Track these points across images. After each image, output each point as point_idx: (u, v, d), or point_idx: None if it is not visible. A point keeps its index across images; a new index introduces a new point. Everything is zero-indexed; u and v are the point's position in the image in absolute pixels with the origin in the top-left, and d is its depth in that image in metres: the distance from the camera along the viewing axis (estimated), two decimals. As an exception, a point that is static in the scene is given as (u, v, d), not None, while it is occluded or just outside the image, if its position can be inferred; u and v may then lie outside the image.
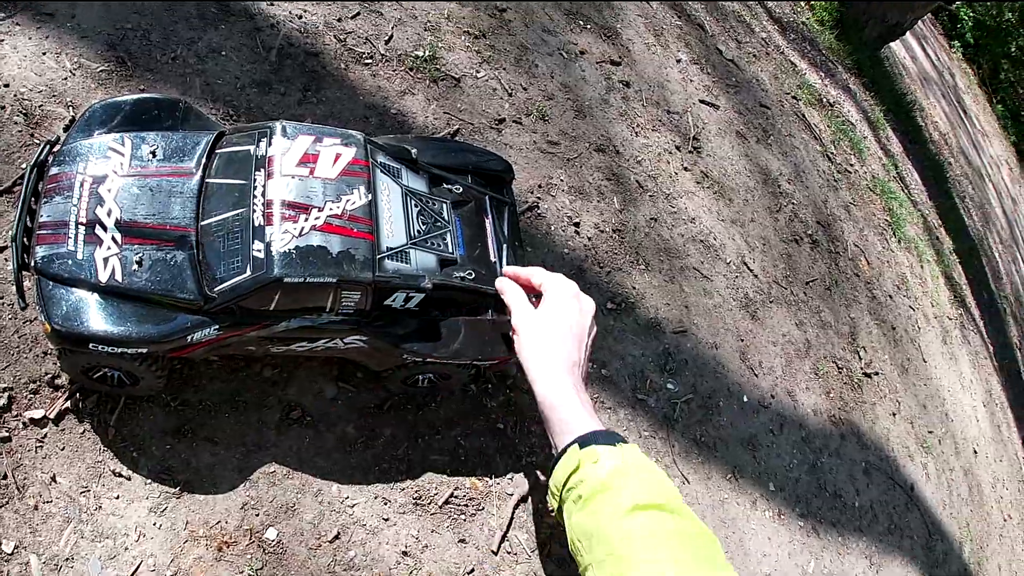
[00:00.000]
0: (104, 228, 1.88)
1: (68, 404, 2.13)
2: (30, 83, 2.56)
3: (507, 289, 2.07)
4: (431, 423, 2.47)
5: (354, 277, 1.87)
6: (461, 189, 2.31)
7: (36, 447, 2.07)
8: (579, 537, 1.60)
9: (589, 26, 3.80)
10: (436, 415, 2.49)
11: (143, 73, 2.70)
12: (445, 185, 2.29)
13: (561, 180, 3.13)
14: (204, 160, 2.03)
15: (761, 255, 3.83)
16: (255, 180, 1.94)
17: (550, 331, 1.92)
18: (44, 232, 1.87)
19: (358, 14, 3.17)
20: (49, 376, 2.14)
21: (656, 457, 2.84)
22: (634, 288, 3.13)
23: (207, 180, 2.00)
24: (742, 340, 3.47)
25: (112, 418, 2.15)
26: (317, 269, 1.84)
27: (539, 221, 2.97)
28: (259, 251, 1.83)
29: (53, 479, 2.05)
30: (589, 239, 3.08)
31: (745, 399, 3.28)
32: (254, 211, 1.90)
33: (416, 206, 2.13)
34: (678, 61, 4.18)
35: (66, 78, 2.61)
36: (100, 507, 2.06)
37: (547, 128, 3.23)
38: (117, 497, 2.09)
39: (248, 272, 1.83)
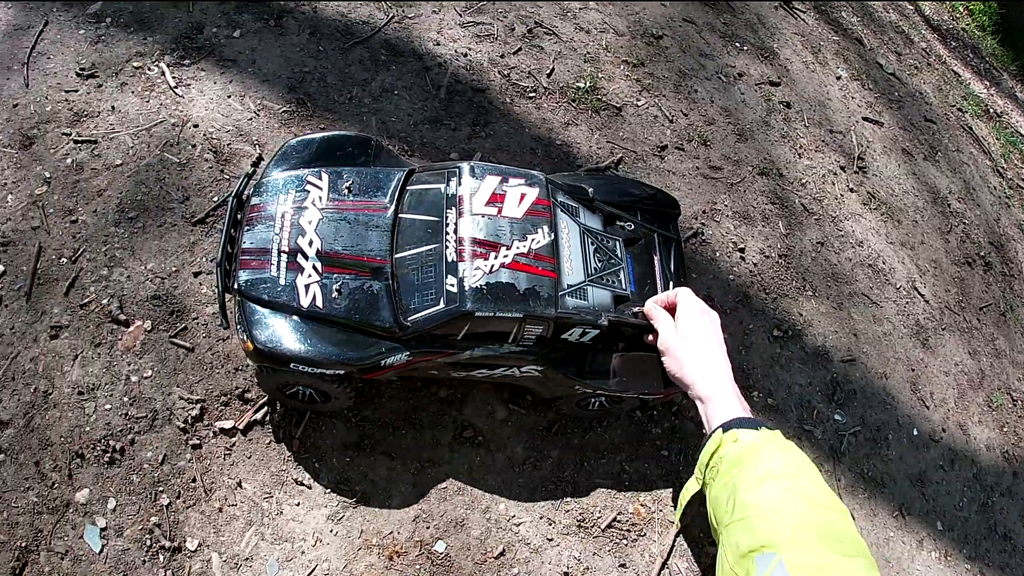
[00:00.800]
0: (305, 257, 2.03)
1: (257, 416, 2.32)
2: (217, 123, 2.81)
3: (655, 313, 2.15)
4: (597, 447, 2.50)
5: (539, 313, 1.95)
6: (633, 227, 2.34)
7: (224, 454, 2.27)
8: (714, 507, 1.67)
9: (746, 47, 3.75)
10: (602, 439, 2.52)
11: (322, 113, 2.89)
12: (618, 223, 2.33)
13: (725, 205, 3.10)
14: (397, 196, 2.15)
15: (932, 279, 3.63)
16: (447, 217, 2.05)
17: (701, 338, 2.02)
18: (247, 258, 2.03)
19: (520, 50, 3.26)
20: (240, 390, 2.34)
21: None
22: (801, 315, 3.05)
23: (400, 215, 2.12)
24: (913, 370, 3.30)
25: (298, 431, 2.32)
26: (506, 305, 1.93)
27: (704, 248, 2.95)
28: (452, 285, 1.94)
29: (239, 484, 2.23)
30: (755, 265, 3.02)
31: (915, 432, 3.12)
32: (447, 247, 2.01)
33: (592, 244, 2.19)
34: (838, 78, 4.05)
35: (251, 118, 2.84)
36: (281, 512, 2.22)
37: (709, 153, 3.21)
38: (298, 504, 2.24)
39: (442, 304, 1.94)
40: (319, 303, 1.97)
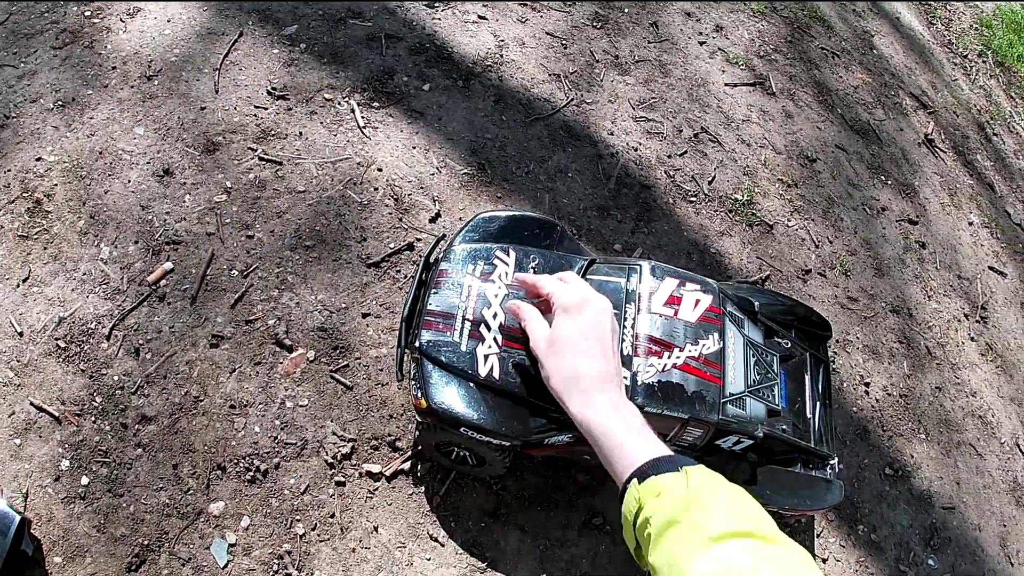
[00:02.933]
0: (488, 328, 2.14)
1: (404, 466, 2.42)
2: (401, 172, 2.94)
3: (523, 311, 1.87)
4: (715, 554, 2.59)
5: (703, 417, 2.03)
6: (790, 344, 2.42)
7: (366, 497, 2.36)
8: None
9: (889, 182, 3.86)
10: None
11: (500, 182, 3.03)
12: (776, 338, 2.41)
13: (857, 337, 3.20)
14: None
15: (1035, 438, 3.69)
16: (626, 312, 2.14)
17: (570, 346, 1.69)
18: (431, 319, 2.15)
19: (685, 152, 3.41)
20: (391, 438, 2.44)
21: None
22: (912, 456, 3.13)
23: None
24: (1004, 526, 3.35)
25: (441, 488, 2.40)
26: (673, 405, 2.01)
27: (832, 376, 3.05)
28: (625, 378, 2.01)
29: (375, 529, 2.31)
30: (877, 401, 3.12)
31: (998, 588, 3.17)
32: (623, 340, 2.09)
33: (753, 356, 2.26)
34: (970, 223, 4.14)
35: (432, 173, 2.98)
36: (411, 564, 2.30)
37: (848, 283, 3.32)
38: (429, 559, 2.32)
39: None
40: (496, 374, 2.07)
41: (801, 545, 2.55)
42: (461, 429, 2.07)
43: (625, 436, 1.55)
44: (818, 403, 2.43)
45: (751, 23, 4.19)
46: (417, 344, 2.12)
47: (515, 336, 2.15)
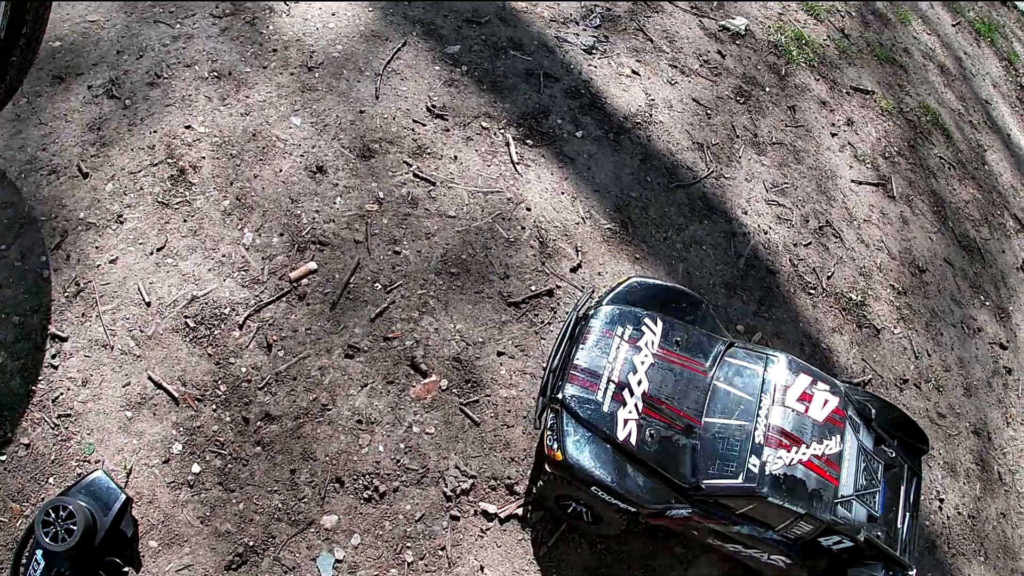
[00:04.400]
0: (631, 393, 2.28)
1: (518, 511, 2.50)
2: (548, 216, 3.02)
3: None
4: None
5: (817, 514, 2.15)
6: (894, 454, 2.52)
7: (478, 535, 2.45)
8: None
9: (988, 303, 3.98)
10: None
11: (639, 243, 3.13)
12: (883, 447, 2.52)
13: (939, 454, 3.33)
14: (716, 364, 2.40)
15: (1076, 575, 3.81)
16: (761, 401, 2.28)
17: None
18: (576, 374, 2.27)
19: (810, 244, 3.53)
20: (511, 481, 2.52)
21: None
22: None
23: (715, 382, 2.37)
24: (1034, 655, 3.48)
25: (551, 539, 2.49)
26: (794, 499, 2.14)
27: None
28: (754, 466, 2.16)
29: (481, 568, 2.40)
30: (948, 518, 3.23)
31: None
32: (756, 428, 2.23)
33: (863, 462, 2.38)
34: (1051, 355, 4.26)
35: (577, 223, 3.07)
36: None
37: (939, 399, 3.44)
38: None
39: (740, 480, 2.16)
40: (632, 439, 2.20)
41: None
42: (592, 488, 2.18)
43: None
44: (908, 514, 2.53)
45: (879, 121, 4.31)
46: (560, 396, 2.23)
47: (656, 406, 2.29)
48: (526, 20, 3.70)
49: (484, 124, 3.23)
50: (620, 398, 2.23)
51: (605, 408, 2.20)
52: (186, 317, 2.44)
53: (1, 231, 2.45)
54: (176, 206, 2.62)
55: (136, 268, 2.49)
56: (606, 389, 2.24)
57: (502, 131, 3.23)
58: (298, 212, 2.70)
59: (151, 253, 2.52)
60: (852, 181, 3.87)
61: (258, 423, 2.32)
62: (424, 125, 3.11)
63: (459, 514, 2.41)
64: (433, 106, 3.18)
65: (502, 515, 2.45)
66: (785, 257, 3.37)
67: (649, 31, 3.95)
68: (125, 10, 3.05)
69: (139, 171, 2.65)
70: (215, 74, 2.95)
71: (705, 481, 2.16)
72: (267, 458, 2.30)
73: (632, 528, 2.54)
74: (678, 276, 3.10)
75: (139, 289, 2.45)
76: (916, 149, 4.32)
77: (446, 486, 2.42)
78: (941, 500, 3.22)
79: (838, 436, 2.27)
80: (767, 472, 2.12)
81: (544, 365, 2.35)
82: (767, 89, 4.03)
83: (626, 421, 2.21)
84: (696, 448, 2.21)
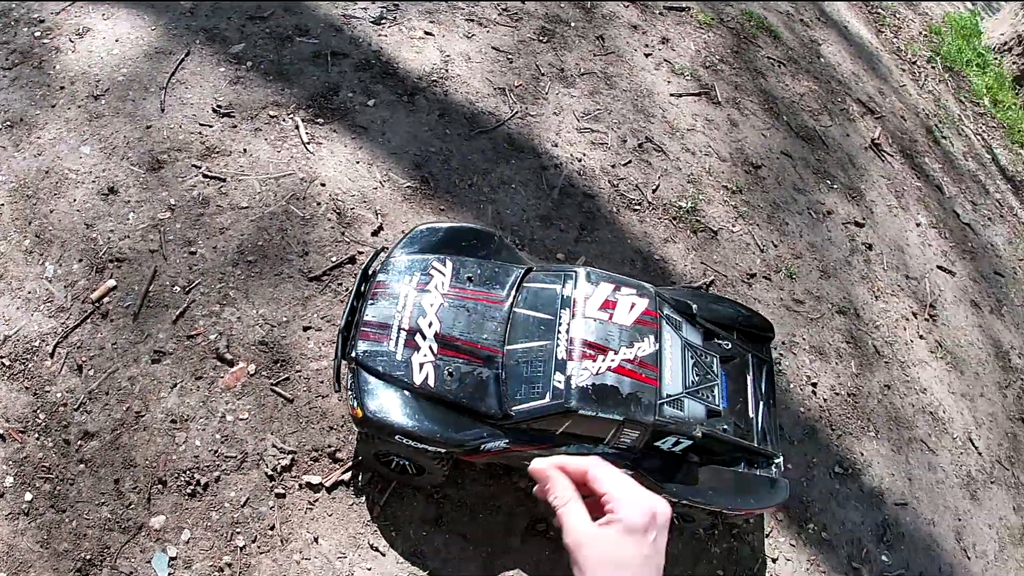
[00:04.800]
0: (424, 337, 2.19)
1: (344, 477, 2.43)
2: (343, 187, 2.96)
3: (556, 486, 1.22)
4: (660, 561, 2.58)
5: (638, 418, 2.07)
6: (730, 345, 2.47)
7: (307, 508, 2.38)
8: None
9: (836, 186, 3.93)
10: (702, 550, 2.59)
11: (443, 195, 3.06)
12: (716, 340, 2.46)
13: (803, 339, 3.24)
14: (514, 291, 2.32)
15: (987, 432, 3.73)
16: (560, 317, 2.20)
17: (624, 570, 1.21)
18: (367, 330, 2.20)
19: (630, 162, 3.45)
20: (332, 449, 2.46)
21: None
22: (862, 454, 3.16)
23: (515, 309, 2.28)
24: (959, 520, 3.38)
25: (382, 498, 2.42)
26: (608, 407, 2.06)
27: (778, 378, 3.08)
28: (560, 382, 2.08)
29: (315, 540, 2.33)
30: (824, 400, 3.15)
31: (952, 581, 3.19)
32: (558, 345, 2.15)
33: (692, 358, 2.31)
34: (918, 224, 4.21)
35: (375, 188, 3.00)
36: (352, 574, 2.31)
37: (794, 286, 3.36)
38: (369, 569, 2.33)
39: (548, 399, 2.08)
40: (431, 382, 2.13)
41: (750, 546, 2.57)
42: (396, 437, 2.10)
43: None
44: (761, 403, 2.47)
45: (697, 35, 4.27)
46: (353, 355, 2.17)
47: (451, 344, 2.19)
48: (311, 5, 3.64)
49: (272, 113, 3.17)
50: (413, 344, 2.17)
51: (399, 356, 2.14)
52: (1, 358, 2.43)
53: None
54: (-19, 256, 2.58)
55: (-48, 301, 2.46)
56: (397, 338, 2.18)
57: (291, 116, 3.18)
58: (94, 236, 2.70)
59: (-36, 304, 2.48)
60: (671, 95, 3.81)
61: (79, 442, 2.33)
62: (211, 127, 3.08)
63: (284, 491, 2.38)
64: (219, 107, 3.14)
65: (328, 484, 2.41)
66: (603, 180, 3.29)
67: (443, -8, 3.87)
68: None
69: (-57, 227, 2.60)
70: (7, 123, 2.94)
71: (513, 408, 2.09)
72: (91, 473, 2.29)
73: (468, 472, 2.50)
74: (488, 218, 3.01)
75: (-46, 330, 2.41)
76: (740, 54, 4.28)
77: (267, 466, 2.38)
78: (814, 384, 3.14)
79: (651, 337, 2.19)
80: (573, 385, 2.05)
81: (339, 328, 2.25)
82: (572, 24, 3.97)
83: (422, 365, 2.15)
84: (500, 378, 2.14)
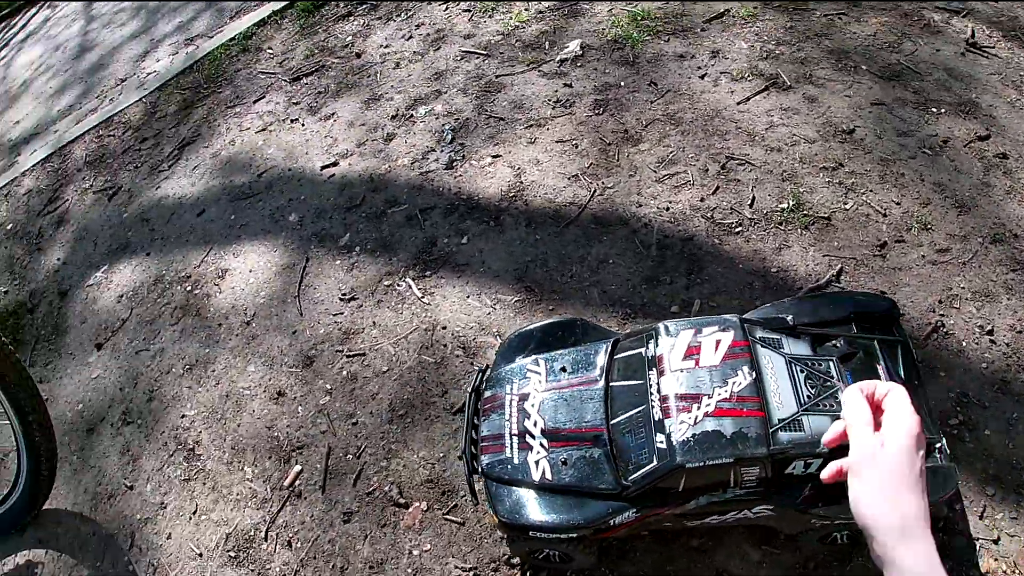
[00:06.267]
0: (533, 436, 2.34)
1: None
2: (461, 323, 3.26)
3: (852, 408, 1.58)
4: (860, 576, 2.44)
5: (750, 455, 2.01)
6: (845, 342, 2.35)
7: None
8: None
9: (943, 110, 3.69)
10: (864, 570, 2.44)
11: (549, 295, 3.25)
12: (828, 343, 2.35)
13: (962, 288, 3.05)
14: (606, 367, 2.40)
15: None
16: (649, 379, 2.23)
17: (899, 479, 1.47)
18: (486, 444, 2.40)
19: (717, 189, 3.48)
20: (506, 556, 2.65)
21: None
22: (1076, 384, 2.88)
23: (610, 384, 2.36)
24: None
25: None
26: (714, 452, 2.02)
27: (947, 341, 2.91)
28: (661, 442, 2.09)
29: None
30: (1007, 345, 2.91)
31: None
32: (652, 407, 2.18)
33: (802, 371, 2.19)
34: (1055, 107, 3.83)
35: (488, 313, 3.26)
36: None
37: (933, 236, 3.19)
38: None
39: (655, 462, 2.09)
40: (548, 475, 2.25)
41: (963, 535, 2.43)
42: (531, 533, 2.25)
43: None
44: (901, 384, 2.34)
45: (746, 32, 4.25)
46: (480, 470, 2.37)
47: (558, 436, 2.33)
48: (392, 176, 4.07)
49: (387, 283, 3.57)
50: (526, 446, 2.33)
51: (516, 460, 2.30)
52: (227, 551, 2.96)
53: (95, 553, 3.18)
54: (195, 476, 3.25)
55: (185, 534, 3.09)
56: (511, 444, 2.35)
57: (403, 279, 3.55)
58: (275, 434, 3.22)
59: (189, 518, 3.12)
60: (738, 104, 3.81)
61: None
62: (342, 313, 3.53)
63: None
64: (344, 295, 3.60)
65: None
66: (696, 217, 3.35)
67: (498, 112, 4.19)
68: (113, 357, 3.89)
69: (163, 466, 3.34)
70: (188, 367, 3.62)
71: (630, 478, 2.14)
72: None
73: (636, 544, 2.57)
74: (595, 300, 3.16)
75: (191, 547, 3.03)
76: (795, 27, 4.21)
77: None
78: (990, 332, 2.92)
79: (745, 368, 2.15)
80: (675, 442, 2.05)
81: (460, 451, 2.57)
82: (622, 84, 4.11)
83: (537, 462, 2.29)
84: (610, 453, 2.21)
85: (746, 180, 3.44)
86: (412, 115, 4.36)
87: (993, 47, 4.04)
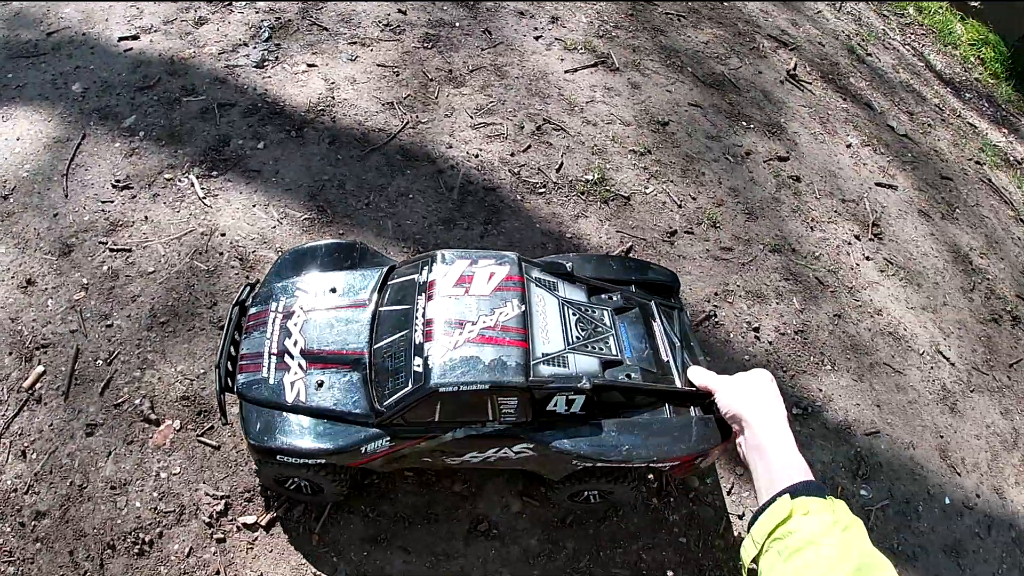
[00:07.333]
0: (291, 356, 2.18)
1: (278, 512, 2.42)
2: (243, 232, 2.99)
3: (696, 372, 2.16)
4: (613, 536, 2.52)
5: (506, 382, 1.96)
6: (619, 298, 2.38)
7: (247, 548, 2.37)
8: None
9: (752, 125, 3.85)
10: (618, 529, 2.53)
11: (341, 219, 3.05)
12: (604, 295, 2.38)
13: (737, 285, 3.16)
14: (377, 292, 2.29)
15: (957, 341, 3.62)
16: (417, 303, 2.14)
17: (760, 384, 1.91)
18: (245, 362, 2.20)
19: (529, 147, 3.40)
20: (262, 487, 2.46)
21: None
22: (820, 390, 3.07)
23: (379, 309, 2.25)
24: (941, 436, 3.27)
25: (317, 526, 2.41)
26: (471, 377, 1.96)
27: (717, 330, 3.01)
28: (419, 366, 2.00)
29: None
30: (770, 343, 3.07)
31: (947, 501, 3.07)
32: (415, 331, 2.09)
33: (574, 315, 2.23)
34: (848, 146, 4.12)
35: (274, 227, 3.01)
36: None
37: (719, 235, 3.29)
38: None
39: (410, 385, 2.00)
40: (302, 397, 2.11)
41: (711, 506, 2.48)
42: (279, 457, 2.08)
43: (792, 459, 1.70)
44: (677, 345, 2.36)
45: (588, 7, 4.22)
46: (235, 389, 2.17)
47: (318, 357, 2.18)
48: (195, 64, 3.65)
49: (168, 176, 3.19)
50: (283, 366, 2.16)
51: (271, 380, 2.14)
52: None
53: None
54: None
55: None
56: (269, 363, 2.17)
57: (186, 175, 3.19)
58: (19, 328, 2.75)
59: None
60: (566, 72, 3.76)
61: (32, 522, 2.36)
62: (112, 202, 3.10)
63: (224, 535, 2.38)
64: (118, 181, 3.16)
65: (264, 523, 2.40)
66: (503, 170, 3.24)
67: (323, 21, 3.88)
68: None
69: None
70: None
71: (384, 403, 2.03)
72: (47, 550, 2.31)
73: (400, 485, 2.50)
74: (389, 232, 2.99)
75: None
76: (636, 16, 4.23)
77: (204, 515, 2.39)
78: (756, 329, 3.06)
79: (514, 300, 2.11)
80: (431, 366, 1.96)
81: (215, 365, 2.24)
82: (457, 25, 3.94)
83: (292, 384, 2.14)
84: (368, 378, 2.10)
85: (558, 145, 3.38)
86: (231, 2, 3.92)
87: (811, 83, 4.28)
